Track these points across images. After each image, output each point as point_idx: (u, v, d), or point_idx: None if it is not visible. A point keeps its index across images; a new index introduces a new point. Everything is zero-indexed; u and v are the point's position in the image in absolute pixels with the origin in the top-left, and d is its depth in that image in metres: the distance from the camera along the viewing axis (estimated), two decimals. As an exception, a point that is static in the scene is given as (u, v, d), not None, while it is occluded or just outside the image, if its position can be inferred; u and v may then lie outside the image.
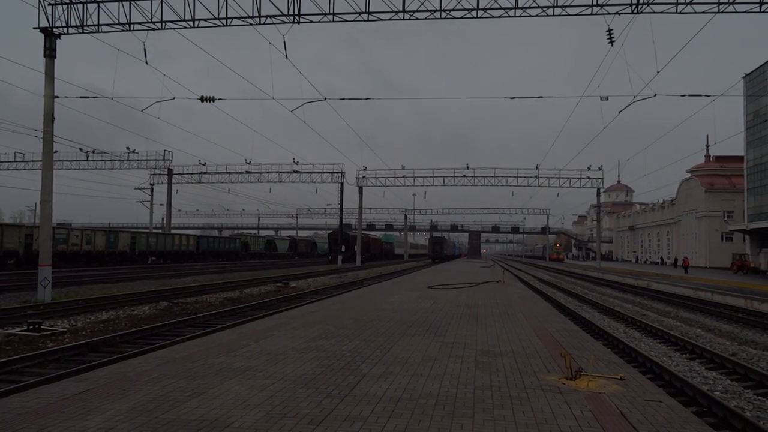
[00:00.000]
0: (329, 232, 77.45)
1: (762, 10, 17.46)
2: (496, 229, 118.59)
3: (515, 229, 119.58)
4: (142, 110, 24.38)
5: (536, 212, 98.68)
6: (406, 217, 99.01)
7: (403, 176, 55.93)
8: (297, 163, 52.99)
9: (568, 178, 54.58)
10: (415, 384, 5.93)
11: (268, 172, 54.98)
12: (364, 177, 56.42)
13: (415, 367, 6.74)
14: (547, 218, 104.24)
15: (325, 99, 23.44)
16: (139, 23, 18.99)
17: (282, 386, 5.73)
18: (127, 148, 51.06)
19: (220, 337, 8.91)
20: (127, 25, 18.98)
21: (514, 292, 19.92)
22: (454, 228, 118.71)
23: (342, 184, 54.72)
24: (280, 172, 54.75)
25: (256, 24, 18.97)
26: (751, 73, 58.57)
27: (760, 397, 8.17)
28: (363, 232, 68.52)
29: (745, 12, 17.63)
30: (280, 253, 79.38)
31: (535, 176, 54.37)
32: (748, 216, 60.02)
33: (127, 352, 9.81)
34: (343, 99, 23.68)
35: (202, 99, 22.16)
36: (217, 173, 56.25)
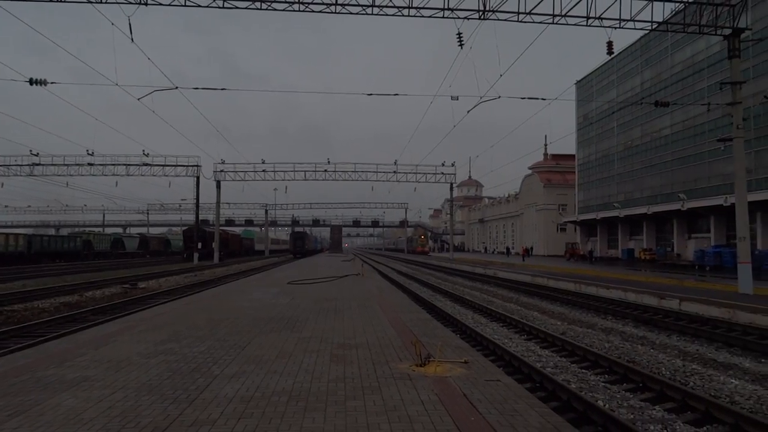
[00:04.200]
0: (185, 228, 73.57)
1: (588, 24, 19.57)
2: (356, 223, 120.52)
3: (375, 223, 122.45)
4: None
5: (395, 206, 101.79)
6: (266, 212, 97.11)
7: (264, 170, 54.76)
8: (147, 155, 49.61)
9: (425, 173, 57.13)
10: (269, 382, 5.85)
11: (113, 165, 50.68)
12: (222, 171, 54.40)
13: (269, 365, 6.65)
14: (405, 212, 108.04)
15: (177, 87, 22.19)
16: (-50, -8, 16.53)
17: (123, 395, 5.34)
18: (-62, 135, 44.38)
19: (53, 347, 8.08)
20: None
21: (372, 284, 20.40)
22: (315, 223, 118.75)
23: (198, 178, 52.18)
24: (128, 165, 50.76)
25: (97, 2, 17.40)
26: (581, 80, 65.59)
27: (583, 371, 9.20)
28: (221, 228, 66.02)
29: (575, 24, 19.64)
30: (128, 251, 73.89)
31: (394, 171, 56.15)
32: (578, 209, 67.27)
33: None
34: (197, 88, 22.57)
35: (31, 82, 19.86)
36: (53, 165, 50.68)
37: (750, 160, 34.71)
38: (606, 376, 8.86)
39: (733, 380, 8.61)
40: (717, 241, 41.70)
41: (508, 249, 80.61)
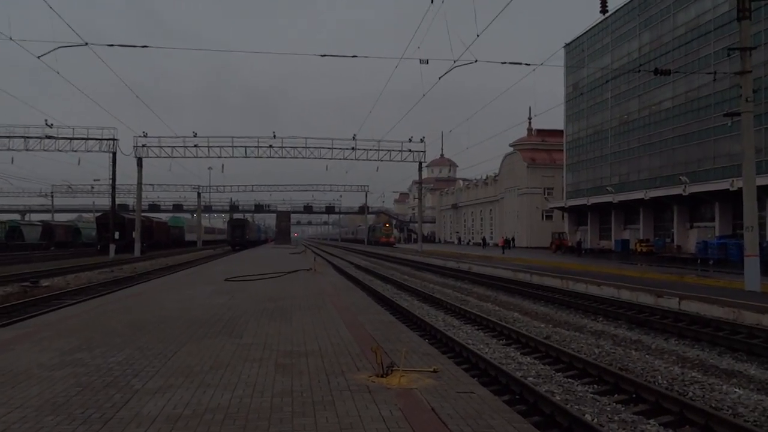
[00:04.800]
0: (98, 215, 72.00)
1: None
2: (308, 209, 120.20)
3: (330, 209, 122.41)
4: None
5: (354, 189, 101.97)
6: (199, 195, 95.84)
7: (195, 145, 53.88)
8: (51, 126, 48.11)
9: (388, 150, 57.20)
10: (201, 397, 5.80)
11: (8, 137, 49.05)
12: (144, 145, 53.26)
13: (202, 377, 6.60)
14: (366, 196, 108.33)
15: (87, 44, 21.56)
16: None
17: (20, 416, 5.21)
18: None
19: (-67, 358, 7.82)
20: None
21: (326, 281, 20.44)
22: (258, 208, 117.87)
23: (115, 153, 50.91)
24: (27, 137, 49.19)
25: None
26: (571, 42, 66.50)
27: (569, 380, 9.44)
28: (144, 214, 64.78)
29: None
30: (28, 242, 71.87)
31: (352, 148, 56.01)
32: (566, 193, 68.48)
33: None
34: (112, 45, 22.00)
35: None
36: (-70, 136, 48.74)
37: (760, 138, 36.01)
38: (595, 386, 9.11)
39: (736, 389, 8.97)
40: (722, 231, 43.16)
41: (484, 239, 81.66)
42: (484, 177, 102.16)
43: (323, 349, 8.17)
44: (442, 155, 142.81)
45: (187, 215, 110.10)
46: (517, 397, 8.27)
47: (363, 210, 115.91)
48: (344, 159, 57.32)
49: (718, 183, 41.22)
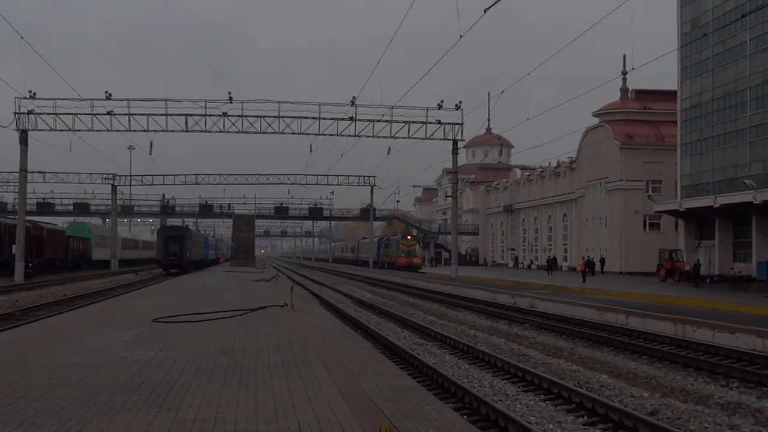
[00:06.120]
0: (-40, 218, 72.53)
1: None
2: (282, 212, 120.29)
3: (316, 212, 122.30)
4: None
5: (352, 182, 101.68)
6: (114, 188, 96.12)
7: (109, 112, 54.13)
8: None
9: (406, 122, 56.94)
10: (117, 503, 5.81)
11: None
12: (31, 112, 53.51)
13: (118, 472, 6.61)
14: (371, 192, 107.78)
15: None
16: None
17: None
18: None
19: None
20: None
21: (310, 323, 20.42)
22: (205, 210, 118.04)
23: (-13, 124, 51.42)
24: None
25: None
26: (688, -43, 66.03)
27: (687, 479, 9.38)
28: (30, 218, 65.13)
29: None
30: None
31: (350, 118, 55.85)
32: (681, 188, 67.80)
33: None
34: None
35: None
36: None
37: None
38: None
39: None
40: None
41: (552, 261, 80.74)
42: (553, 164, 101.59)
43: (305, 430, 8.15)
44: (488, 130, 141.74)
45: (97, 220, 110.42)
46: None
47: (367, 214, 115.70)
48: (338, 135, 57.40)
49: None
